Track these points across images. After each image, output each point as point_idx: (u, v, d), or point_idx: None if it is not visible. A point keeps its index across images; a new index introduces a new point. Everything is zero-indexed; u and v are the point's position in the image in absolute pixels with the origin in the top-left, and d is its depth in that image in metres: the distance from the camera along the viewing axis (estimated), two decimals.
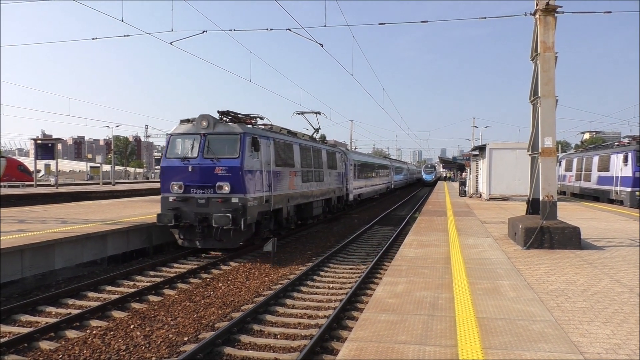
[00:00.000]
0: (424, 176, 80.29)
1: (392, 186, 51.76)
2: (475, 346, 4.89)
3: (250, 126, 14.78)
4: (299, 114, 23.38)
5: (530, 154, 12.05)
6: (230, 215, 12.73)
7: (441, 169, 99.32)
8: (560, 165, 36.77)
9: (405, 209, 33.49)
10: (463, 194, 32.80)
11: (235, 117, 14.56)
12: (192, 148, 13.70)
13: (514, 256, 9.88)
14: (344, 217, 27.05)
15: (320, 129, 24.03)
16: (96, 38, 16.87)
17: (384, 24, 16.17)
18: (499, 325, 5.56)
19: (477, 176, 31.77)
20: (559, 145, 58.01)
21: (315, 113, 23.52)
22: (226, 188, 13.12)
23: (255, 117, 15.80)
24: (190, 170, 13.38)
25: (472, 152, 34.96)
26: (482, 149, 28.99)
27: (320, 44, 17.25)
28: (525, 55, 12.25)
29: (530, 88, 11.92)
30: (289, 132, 18.79)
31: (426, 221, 16.61)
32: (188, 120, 14.27)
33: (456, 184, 47.58)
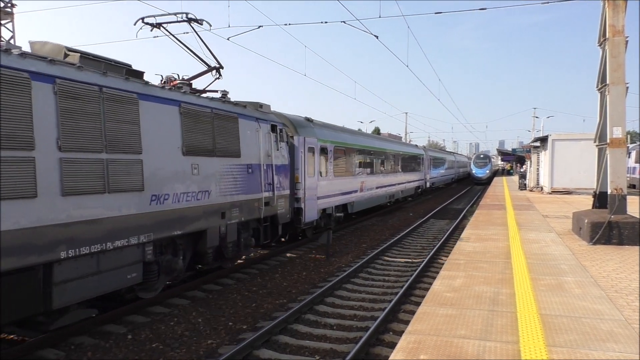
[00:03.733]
0: (474, 171, 58.04)
1: (428, 184, 37.54)
2: (539, 343, 4.75)
3: None
4: (152, 26, 10.52)
5: (597, 145, 11.51)
6: None
7: (499, 162, 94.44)
8: (629, 156, 34.80)
9: (461, 202, 32.78)
10: (523, 187, 31.79)
11: None
12: None
13: (579, 252, 9.48)
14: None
15: (222, 67, 11.57)
16: (157, 36, 17.42)
17: (441, 12, 15.83)
18: (563, 322, 5.36)
19: (538, 169, 30.69)
20: (629, 136, 54.94)
21: (187, 20, 10.79)
22: None
23: None
24: None
25: (532, 144, 33.74)
26: (543, 140, 27.97)
27: (375, 36, 17.10)
28: (592, 41, 11.66)
29: (598, 75, 11.36)
30: None
31: (484, 215, 16.19)
32: None
33: (516, 178, 45.99)
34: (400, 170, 27.99)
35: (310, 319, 8.33)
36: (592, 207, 11.93)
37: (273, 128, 12.49)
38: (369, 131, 67.05)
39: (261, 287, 10.33)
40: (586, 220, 10.53)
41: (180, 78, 10.28)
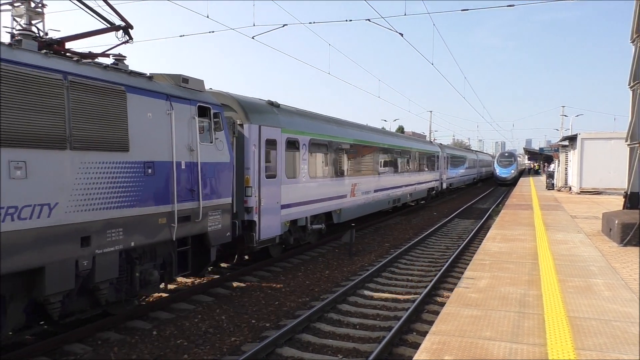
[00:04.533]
0: (497, 170, 54.42)
1: (444, 185, 34.03)
2: (567, 346, 4.64)
3: None
4: None
5: (628, 144, 11.23)
6: None
7: (525, 161, 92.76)
8: None
9: (486, 202, 32.32)
10: (551, 187, 31.22)
11: None
12: None
13: (609, 253, 9.24)
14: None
15: (132, 27, 8.36)
16: (183, 35, 17.65)
17: (467, 10, 15.62)
18: (592, 325, 5.23)
19: (566, 168, 30.12)
20: None
21: None
22: None
23: None
24: None
25: (561, 143, 33.12)
26: (572, 139, 27.46)
27: (400, 34, 16.97)
28: (623, 39, 11.38)
29: (630, 72, 11.08)
30: None
31: (510, 215, 15.93)
32: None
33: (543, 177, 45.16)
34: (407, 169, 23.73)
35: (333, 317, 8.31)
36: (623, 208, 11.67)
37: (203, 112, 8.97)
38: (393, 130, 66.13)
39: (284, 285, 10.36)
40: (617, 221, 10.27)
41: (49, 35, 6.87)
